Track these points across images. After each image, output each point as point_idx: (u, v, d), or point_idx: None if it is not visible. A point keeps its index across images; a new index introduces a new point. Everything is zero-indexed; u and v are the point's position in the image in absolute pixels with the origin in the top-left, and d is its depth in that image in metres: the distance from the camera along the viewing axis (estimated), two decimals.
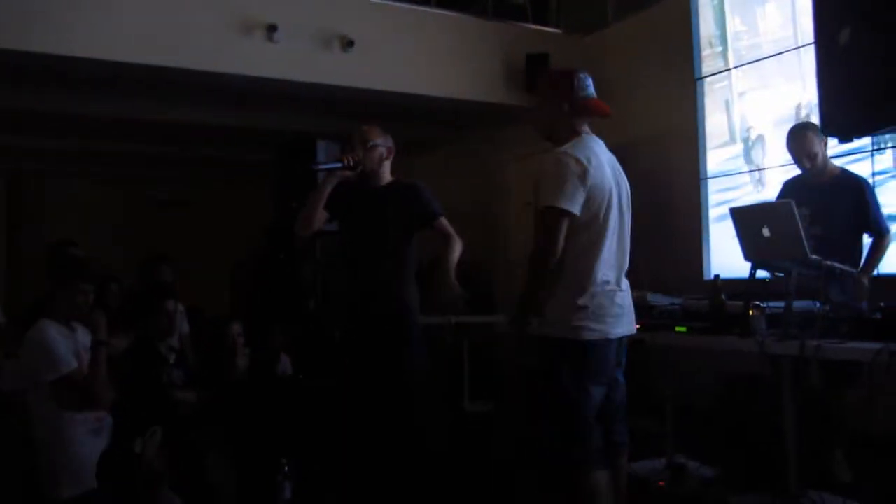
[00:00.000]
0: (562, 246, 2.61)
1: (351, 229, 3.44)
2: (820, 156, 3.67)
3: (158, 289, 4.20)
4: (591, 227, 2.68)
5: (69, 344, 3.13)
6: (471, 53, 6.06)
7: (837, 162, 3.95)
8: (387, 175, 3.44)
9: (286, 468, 3.63)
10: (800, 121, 3.98)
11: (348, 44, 5.52)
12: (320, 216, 3.32)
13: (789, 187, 3.86)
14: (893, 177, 4.43)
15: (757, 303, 3.09)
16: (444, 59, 5.86)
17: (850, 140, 3.00)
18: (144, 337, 3.79)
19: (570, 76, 2.85)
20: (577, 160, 2.64)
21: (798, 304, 3.04)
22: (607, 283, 2.71)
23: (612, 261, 2.74)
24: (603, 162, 2.73)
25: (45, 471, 3.07)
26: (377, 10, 5.81)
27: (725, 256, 5.15)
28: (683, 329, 3.43)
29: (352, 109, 6.13)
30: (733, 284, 3.60)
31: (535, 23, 6.69)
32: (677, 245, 5.72)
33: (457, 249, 3.27)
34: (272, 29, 5.24)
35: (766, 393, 3.57)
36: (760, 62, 5.38)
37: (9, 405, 3.47)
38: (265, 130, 7.17)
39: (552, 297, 2.66)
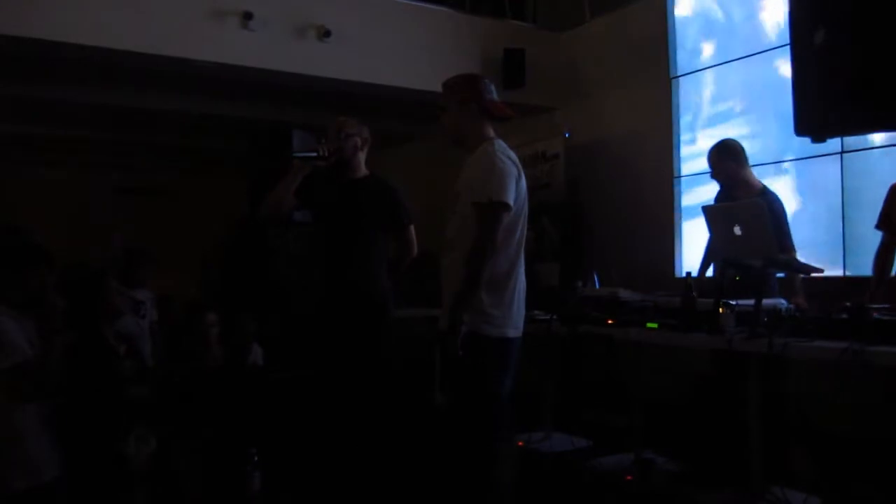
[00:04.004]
0: (500, 242, 2.71)
1: (324, 219, 3.43)
2: (735, 175, 3.87)
3: (96, 271, 4.05)
4: (514, 229, 2.80)
5: (21, 331, 3.01)
6: (448, 47, 6.04)
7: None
8: (361, 167, 3.44)
9: (255, 458, 3.62)
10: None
11: (325, 34, 5.47)
12: (289, 201, 3.32)
13: (717, 200, 4.05)
14: None
15: (727, 300, 3.12)
16: (422, 51, 5.84)
17: (823, 140, 3.04)
18: (90, 326, 3.66)
19: (471, 81, 2.96)
20: (514, 162, 2.79)
21: (766, 303, 3.08)
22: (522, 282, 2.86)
23: (521, 264, 2.87)
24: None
25: None
26: (355, 1, 5.77)
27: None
28: (654, 325, 3.46)
29: (328, 100, 6.10)
30: (705, 282, 3.64)
31: (512, 18, 6.70)
32: (649, 242, 5.77)
33: (406, 263, 3.47)
34: (248, 16, 5.17)
35: (733, 390, 3.61)
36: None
37: None
38: (240, 119, 7.10)
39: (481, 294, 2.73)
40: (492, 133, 2.90)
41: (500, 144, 2.84)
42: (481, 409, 2.77)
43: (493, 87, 2.93)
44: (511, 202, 2.72)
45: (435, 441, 3.04)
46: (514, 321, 2.81)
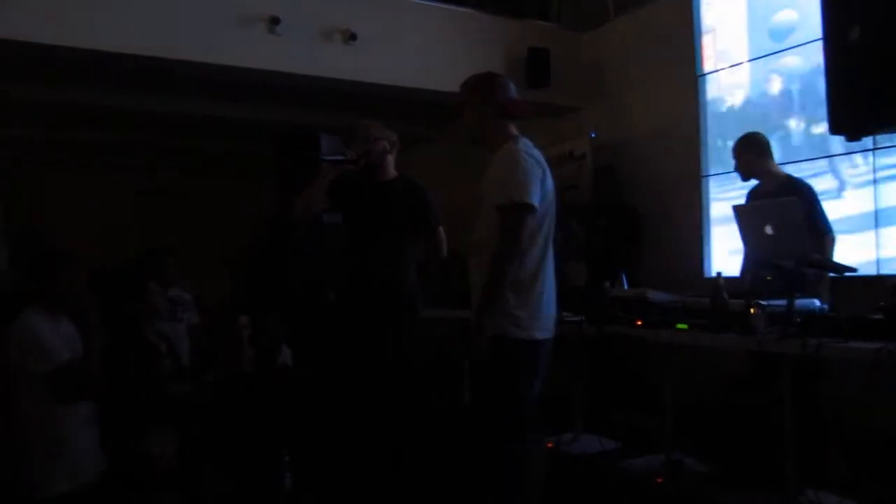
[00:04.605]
0: (525, 244, 2.66)
1: (355, 221, 3.45)
2: (756, 167, 3.94)
3: (136, 272, 4.10)
4: (540, 230, 2.75)
5: (58, 334, 3.03)
6: (472, 47, 6.04)
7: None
8: (391, 169, 3.47)
9: (285, 459, 3.65)
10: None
11: (350, 37, 5.50)
12: (319, 203, 3.34)
13: (749, 196, 4.07)
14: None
15: (758, 301, 3.09)
16: (446, 53, 5.85)
17: (858, 138, 3.00)
18: (131, 326, 3.72)
19: (489, 80, 2.90)
20: (538, 161, 2.73)
21: (799, 304, 3.04)
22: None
23: (550, 265, 2.82)
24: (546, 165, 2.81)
25: (37, 466, 2.96)
26: (379, 4, 5.79)
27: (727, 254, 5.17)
28: (684, 326, 3.43)
29: (353, 103, 6.12)
30: (735, 282, 3.61)
31: (536, 18, 6.68)
32: (678, 242, 5.72)
33: (434, 265, 3.46)
34: (274, 21, 5.22)
35: (764, 391, 3.58)
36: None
37: None
38: (265, 123, 7.15)
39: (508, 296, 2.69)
40: (514, 131, 2.85)
41: (524, 143, 2.79)
42: (509, 412, 2.73)
43: (511, 86, 2.89)
44: (535, 202, 2.67)
45: (461, 442, 3.03)
46: (542, 322, 2.76)
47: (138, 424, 3.36)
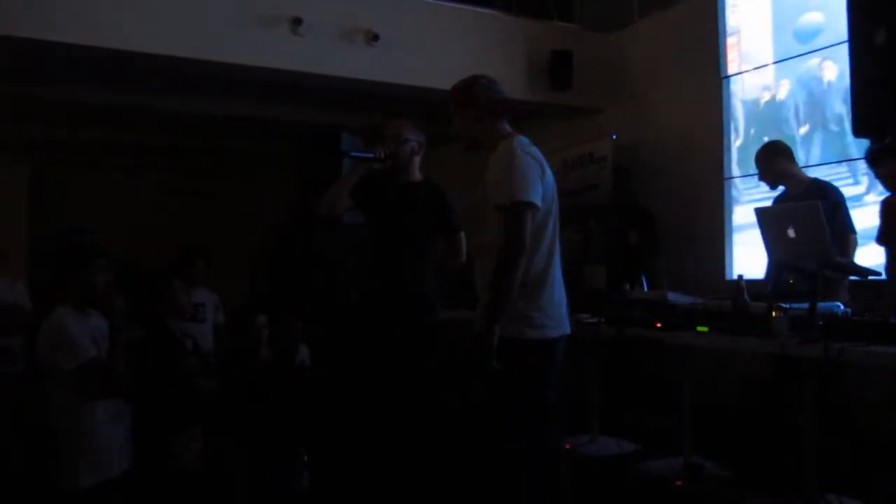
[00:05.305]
0: (528, 242, 2.62)
1: (379, 222, 3.46)
2: (782, 173, 3.95)
3: (163, 271, 4.15)
4: (545, 227, 2.72)
5: (86, 330, 3.10)
6: (494, 49, 6.05)
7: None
8: (416, 171, 3.48)
9: (304, 458, 3.67)
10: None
11: (373, 38, 5.53)
12: (345, 202, 3.35)
13: (776, 202, 4.07)
14: None
15: (780, 304, 3.06)
16: (468, 54, 5.85)
17: (883, 140, 2.97)
18: (158, 323, 3.78)
19: (471, 83, 2.88)
20: (534, 157, 2.70)
21: (822, 307, 3.01)
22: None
23: (558, 261, 2.79)
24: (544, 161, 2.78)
25: (63, 459, 3.03)
26: (401, 5, 5.82)
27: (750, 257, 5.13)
28: (705, 329, 3.41)
29: (375, 104, 6.16)
30: (756, 285, 3.58)
31: (559, 19, 6.67)
32: (699, 245, 5.69)
33: (454, 266, 3.42)
34: (297, 22, 5.26)
35: (785, 395, 3.55)
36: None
37: (27, 393, 3.45)
38: (288, 123, 7.21)
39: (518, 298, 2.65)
40: (508, 130, 2.83)
41: (521, 141, 2.76)
42: (527, 413, 2.71)
43: (497, 85, 2.87)
44: (535, 200, 2.63)
45: (475, 443, 3.02)
46: (556, 320, 2.73)
47: (167, 421, 3.40)
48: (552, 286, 2.74)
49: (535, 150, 2.76)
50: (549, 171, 2.77)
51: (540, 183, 2.67)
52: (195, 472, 3.50)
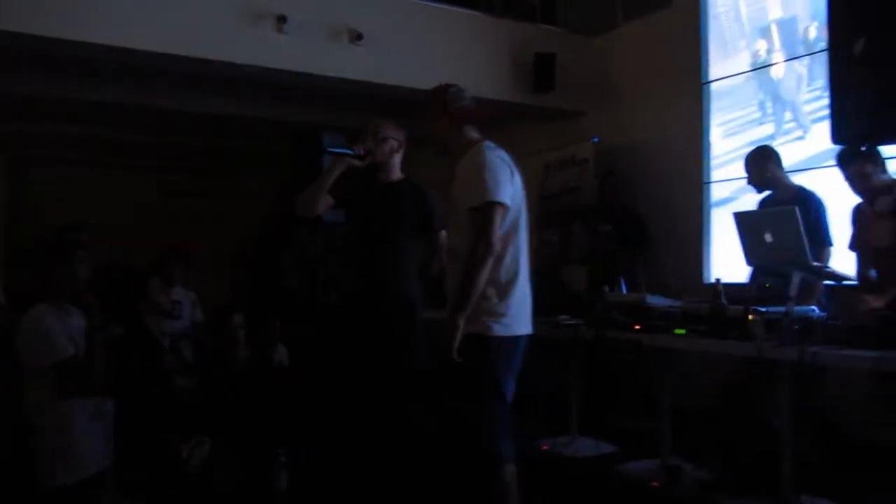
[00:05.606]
0: (499, 241, 2.68)
1: (359, 220, 3.45)
2: (770, 178, 3.95)
3: (141, 270, 4.12)
4: (516, 228, 2.78)
5: (64, 328, 3.06)
6: (480, 50, 6.06)
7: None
8: (397, 170, 3.47)
9: (283, 458, 3.66)
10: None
11: (357, 37, 5.52)
12: (325, 200, 3.35)
13: (762, 205, 4.08)
14: None
15: (756, 307, 3.10)
16: (452, 55, 5.86)
17: (860, 148, 3.01)
18: (136, 322, 3.75)
19: (441, 92, 2.97)
20: (505, 161, 2.78)
21: (797, 310, 3.05)
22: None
23: (526, 260, 2.84)
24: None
25: (40, 458, 3.00)
26: (387, 4, 5.82)
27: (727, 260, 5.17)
28: (682, 331, 3.44)
29: (360, 103, 6.14)
30: (733, 289, 3.61)
31: (543, 22, 6.70)
32: (678, 248, 5.72)
33: (434, 268, 3.42)
34: (282, 20, 5.25)
35: (762, 397, 3.58)
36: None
37: (3, 391, 3.41)
38: (272, 122, 7.17)
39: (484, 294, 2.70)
40: (476, 136, 2.91)
41: (488, 145, 2.84)
42: (488, 411, 2.74)
43: (465, 93, 2.96)
44: (505, 200, 2.71)
45: (444, 444, 3.03)
46: (524, 319, 2.80)
47: (148, 419, 3.39)
48: (522, 285, 2.80)
49: (502, 153, 2.83)
50: (518, 174, 2.84)
51: (510, 184, 2.75)
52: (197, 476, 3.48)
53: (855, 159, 3.35)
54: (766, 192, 4.06)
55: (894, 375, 2.68)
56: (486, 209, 2.68)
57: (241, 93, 6.53)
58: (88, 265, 3.20)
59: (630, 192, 6.01)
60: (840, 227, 3.80)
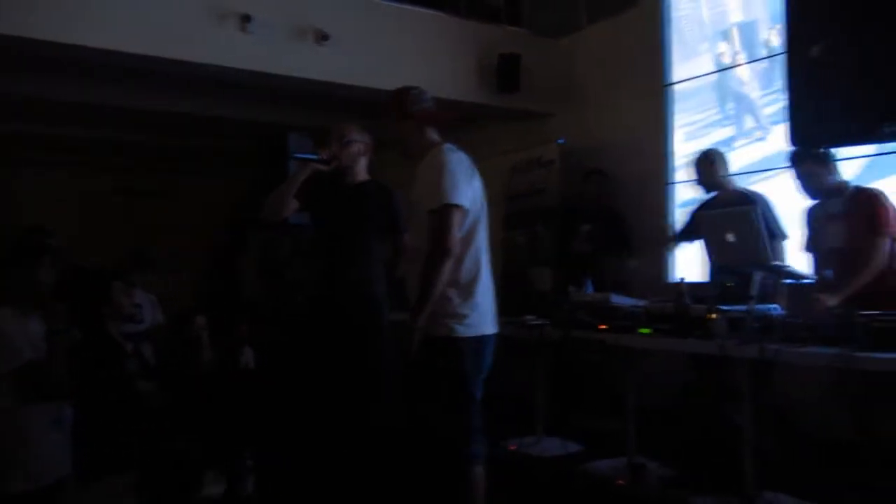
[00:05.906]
0: (457, 243, 2.70)
1: (325, 223, 3.44)
2: (720, 180, 4.19)
3: (102, 272, 4.04)
4: (476, 230, 2.80)
5: (24, 333, 2.99)
6: (444, 51, 6.07)
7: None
8: (362, 172, 3.47)
9: (248, 462, 3.62)
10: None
11: (322, 37, 5.49)
12: (290, 204, 3.33)
13: (703, 207, 4.25)
14: None
15: (718, 306, 3.14)
16: (418, 55, 5.86)
17: (816, 150, 3.07)
18: (97, 325, 3.67)
19: (402, 95, 2.99)
20: (461, 161, 2.79)
21: (758, 309, 3.10)
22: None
23: (487, 261, 2.86)
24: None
25: None
26: (352, 5, 5.79)
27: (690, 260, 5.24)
28: (647, 331, 3.48)
29: (326, 103, 6.11)
30: (695, 288, 3.67)
31: (508, 23, 6.72)
32: (644, 248, 5.77)
33: (400, 270, 3.38)
34: (246, 19, 5.19)
35: (724, 395, 3.64)
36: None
37: None
38: (239, 121, 7.10)
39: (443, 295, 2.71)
40: (436, 138, 2.93)
41: (448, 147, 2.86)
42: (458, 412, 2.75)
43: (426, 95, 2.98)
44: (464, 203, 2.72)
45: (412, 445, 3.03)
46: (488, 318, 2.81)
47: (109, 425, 3.32)
48: (484, 286, 2.82)
49: (462, 156, 2.84)
50: (477, 176, 2.86)
51: (468, 187, 2.77)
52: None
53: (805, 159, 3.43)
54: (712, 194, 4.22)
55: (849, 372, 2.73)
56: (444, 212, 2.69)
57: (204, 92, 6.44)
58: (54, 270, 3.14)
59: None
60: (795, 229, 3.90)
